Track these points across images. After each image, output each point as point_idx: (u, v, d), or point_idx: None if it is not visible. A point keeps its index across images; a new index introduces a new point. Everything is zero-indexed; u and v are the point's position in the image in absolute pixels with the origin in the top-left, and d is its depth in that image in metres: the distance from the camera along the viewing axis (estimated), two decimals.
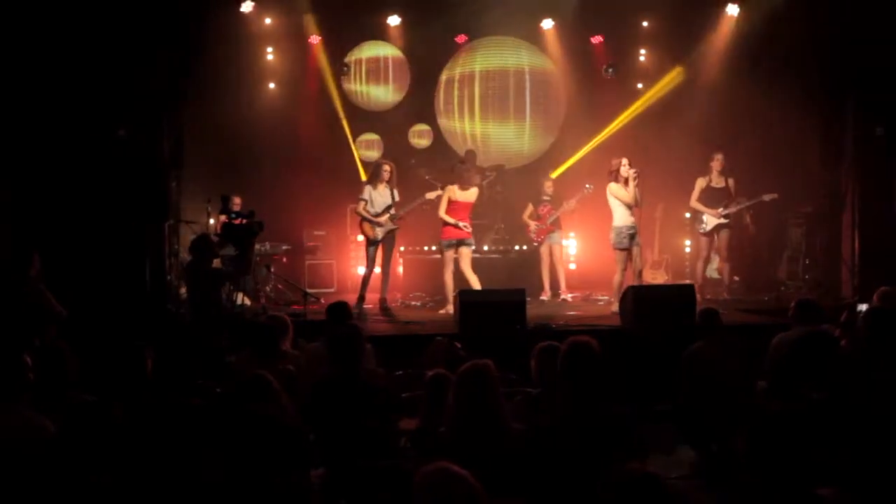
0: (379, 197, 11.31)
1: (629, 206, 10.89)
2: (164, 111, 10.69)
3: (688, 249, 13.95)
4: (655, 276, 13.91)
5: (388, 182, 11.40)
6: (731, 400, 6.98)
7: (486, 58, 14.63)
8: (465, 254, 11.15)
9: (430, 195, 11.34)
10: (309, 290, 13.12)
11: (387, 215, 11.24)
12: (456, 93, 14.65)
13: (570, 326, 9.61)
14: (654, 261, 14.23)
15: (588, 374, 4.62)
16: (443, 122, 14.78)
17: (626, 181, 10.84)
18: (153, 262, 9.90)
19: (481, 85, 14.59)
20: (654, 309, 9.14)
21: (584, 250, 14.47)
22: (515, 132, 14.75)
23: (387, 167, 11.47)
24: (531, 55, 14.64)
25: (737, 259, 13.33)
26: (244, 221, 8.62)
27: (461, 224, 11.09)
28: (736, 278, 13.22)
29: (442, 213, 11.04)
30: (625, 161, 10.88)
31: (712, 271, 12.75)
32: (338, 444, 4.90)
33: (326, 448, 4.89)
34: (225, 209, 8.92)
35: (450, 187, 11.16)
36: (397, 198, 11.42)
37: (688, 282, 12.27)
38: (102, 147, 9.99)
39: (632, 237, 10.96)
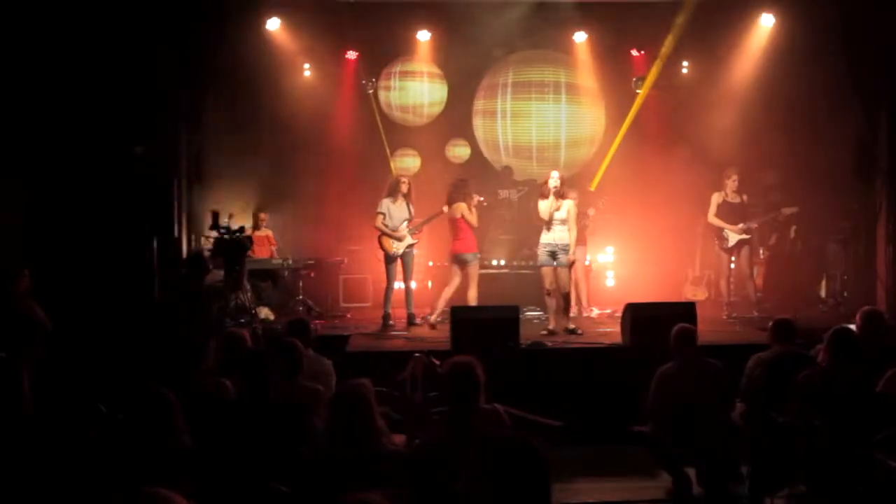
0: (397, 211, 11.29)
1: (549, 222, 10.35)
2: (184, 127, 10.85)
3: (732, 266, 13.54)
4: (696, 293, 13.56)
5: (405, 196, 11.42)
6: (704, 423, 6.79)
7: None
8: None
9: (446, 209, 11.27)
10: (344, 306, 13.40)
11: (405, 229, 11.26)
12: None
13: (569, 344, 9.44)
14: (695, 277, 13.89)
15: (466, 394, 4.53)
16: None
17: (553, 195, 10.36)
18: (163, 276, 10.01)
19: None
20: (651, 326, 8.87)
21: (625, 266, 14.19)
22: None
23: (405, 180, 11.50)
24: (567, 70, 14.53)
25: (776, 276, 12.93)
26: (229, 236, 8.70)
27: None
28: (759, 294, 12.79)
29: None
30: (554, 174, 10.44)
31: None
32: (235, 466, 4.86)
33: (225, 469, 4.87)
34: (215, 225, 9.02)
35: (462, 204, 11.11)
36: (413, 212, 11.41)
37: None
38: (119, 161, 10.18)
39: (552, 255, 10.36)
